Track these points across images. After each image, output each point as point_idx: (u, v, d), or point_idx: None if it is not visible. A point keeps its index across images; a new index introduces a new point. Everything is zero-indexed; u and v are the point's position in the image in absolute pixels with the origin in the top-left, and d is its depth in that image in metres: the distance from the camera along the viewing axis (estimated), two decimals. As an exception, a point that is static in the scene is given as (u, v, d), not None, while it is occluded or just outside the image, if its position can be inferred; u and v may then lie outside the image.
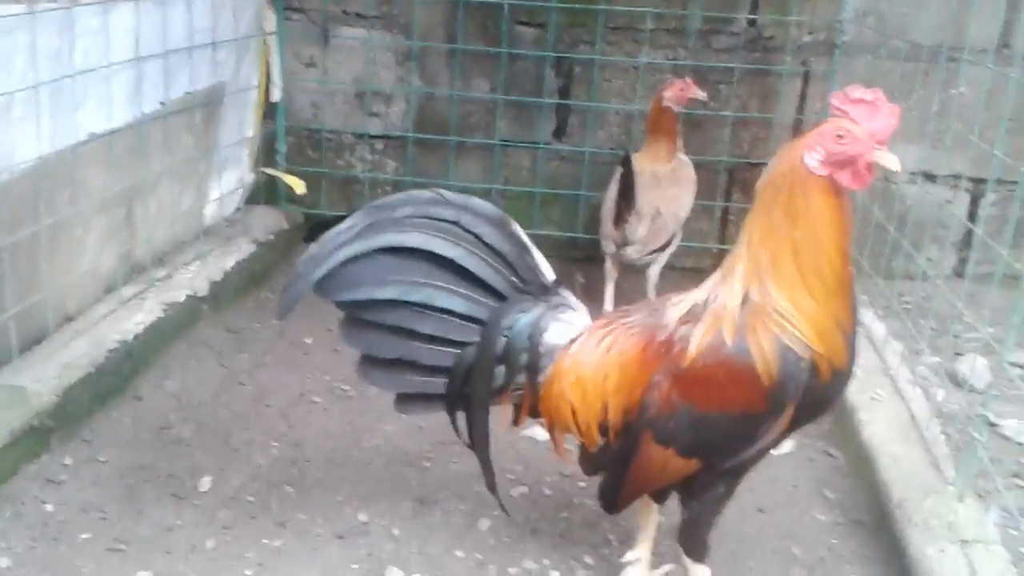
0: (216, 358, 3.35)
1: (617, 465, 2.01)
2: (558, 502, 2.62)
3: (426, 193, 2.07)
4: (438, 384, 2.11)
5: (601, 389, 1.99)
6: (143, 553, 2.34)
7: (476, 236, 2.04)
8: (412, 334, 2.07)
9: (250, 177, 4.28)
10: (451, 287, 2.05)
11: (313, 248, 2.03)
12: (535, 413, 2.12)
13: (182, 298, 3.41)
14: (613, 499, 2.07)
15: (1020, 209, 2.44)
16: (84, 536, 2.39)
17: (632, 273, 3.87)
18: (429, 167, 4.43)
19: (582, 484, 2.65)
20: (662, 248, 3.70)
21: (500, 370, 2.07)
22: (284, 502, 2.57)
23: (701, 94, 3.71)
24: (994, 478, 2.41)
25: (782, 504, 2.66)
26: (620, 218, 3.52)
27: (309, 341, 3.51)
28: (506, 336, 2.05)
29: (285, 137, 4.42)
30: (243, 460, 2.76)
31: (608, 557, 2.40)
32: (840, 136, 1.77)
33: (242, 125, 4.15)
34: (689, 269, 4.31)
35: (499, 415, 2.15)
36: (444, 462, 2.76)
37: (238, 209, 4.23)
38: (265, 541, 2.41)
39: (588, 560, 2.39)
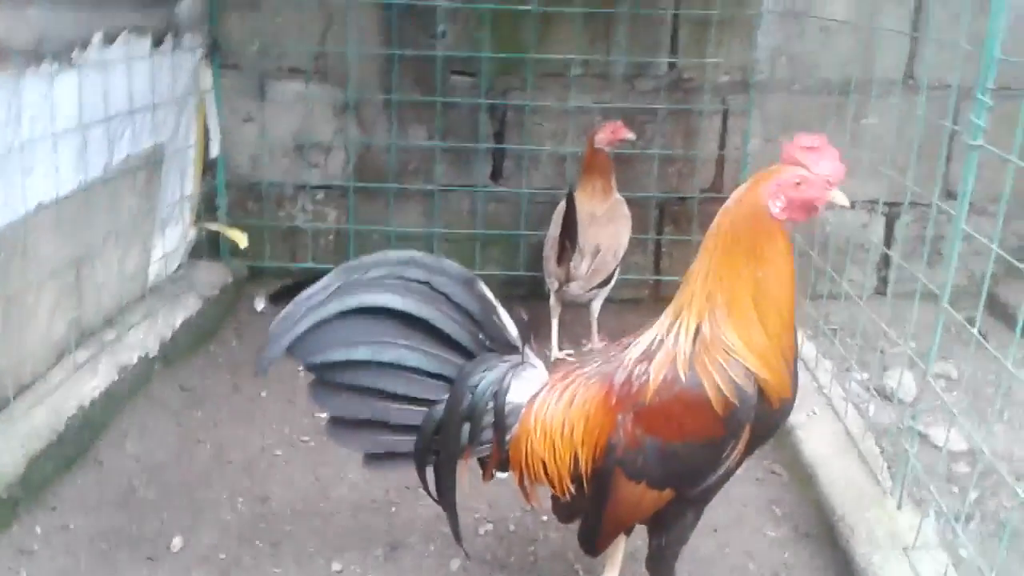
0: (172, 417, 3.38)
1: (593, 509, 2.11)
2: (524, 537, 2.72)
3: (398, 254, 2.14)
4: (407, 442, 2.16)
5: (569, 441, 2.09)
6: (121, 617, 2.38)
7: (446, 296, 2.11)
8: (382, 394, 2.12)
9: (192, 233, 4.32)
10: (421, 346, 2.11)
11: (286, 310, 2.06)
12: (503, 468, 2.21)
13: (134, 360, 3.43)
14: (593, 542, 2.18)
15: (932, 229, 2.62)
16: (61, 604, 2.41)
17: (575, 307, 4.02)
18: (370, 215, 4.53)
19: (545, 518, 2.76)
20: (603, 283, 3.85)
21: (467, 428, 2.14)
22: (257, 557, 2.62)
23: (630, 135, 3.89)
24: (927, 486, 2.58)
25: (735, 523, 2.80)
26: (563, 256, 3.67)
27: (264, 395, 3.56)
28: (471, 394, 2.12)
29: (225, 191, 4.47)
30: (211, 518, 2.80)
31: (577, 587, 2.51)
32: (798, 184, 1.93)
33: (183, 182, 4.19)
34: (628, 300, 4.49)
35: (464, 469, 2.21)
36: (411, 506, 2.84)
37: (181, 266, 4.26)
38: (242, 597, 2.46)
39: (558, 591, 2.50)
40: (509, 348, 2.18)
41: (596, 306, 3.99)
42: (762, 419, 1.97)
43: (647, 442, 2.00)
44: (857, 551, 2.46)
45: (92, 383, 3.19)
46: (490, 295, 2.18)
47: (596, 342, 4.06)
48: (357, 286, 2.08)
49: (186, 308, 3.92)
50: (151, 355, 3.53)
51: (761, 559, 2.67)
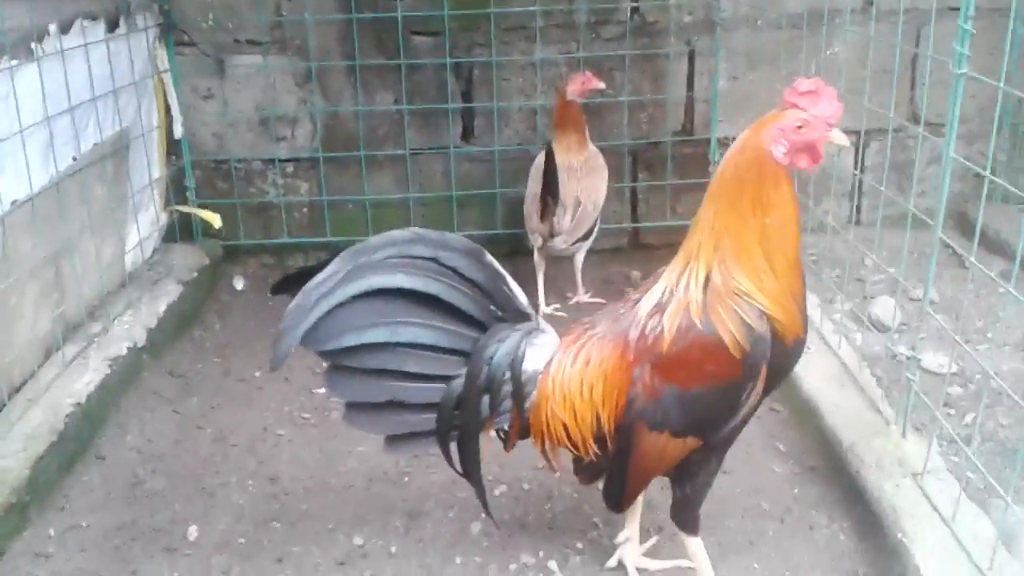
0: (168, 405, 3.34)
1: (618, 465, 2.13)
2: (539, 496, 2.75)
3: (403, 233, 2.10)
4: (427, 420, 2.16)
5: (589, 402, 2.10)
6: (148, 611, 2.38)
7: (454, 270, 2.09)
8: (400, 375, 2.11)
9: (164, 217, 4.25)
10: (435, 323, 2.10)
11: (296, 300, 2.02)
12: (524, 435, 2.22)
13: (124, 351, 3.38)
14: (619, 498, 2.20)
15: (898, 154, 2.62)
16: (85, 604, 2.40)
17: (558, 262, 4.03)
18: (343, 184, 4.48)
19: (558, 475, 2.78)
20: (586, 235, 3.86)
21: (486, 399, 2.15)
22: (275, 538, 2.62)
23: (600, 84, 3.87)
24: (931, 412, 2.64)
25: (741, 463, 2.85)
26: (546, 211, 3.67)
27: (257, 374, 3.54)
28: (488, 366, 2.12)
29: (193, 172, 4.38)
30: (223, 503, 2.79)
31: (598, 540, 2.55)
32: (799, 127, 1.94)
33: (150, 167, 4.11)
34: (608, 250, 4.51)
35: (487, 441, 2.22)
36: (423, 474, 2.85)
37: (156, 251, 4.20)
38: (267, 579, 2.47)
39: (579, 546, 2.53)
40: (520, 316, 2.18)
41: (579, 258, 4.00)
42: (778, 359, 2.00)
43: (666, 391, 2.01)
44: (868, 480, 2.51)
45: (85, 378, 3.14)
46: (497, 265, 2.17)
47: (582, 294, 4.08)
48: (365, 269, 2.05)
49: (167, 294, 3.87)
50: (139, 344, 3.48)
51: (771, 496, 2.72)
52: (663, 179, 4.50)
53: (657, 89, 4.46)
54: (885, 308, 3.62)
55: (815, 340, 3.29)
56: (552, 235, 3.75)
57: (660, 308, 2.05)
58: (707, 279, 2.00)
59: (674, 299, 2.04)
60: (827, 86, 1.97)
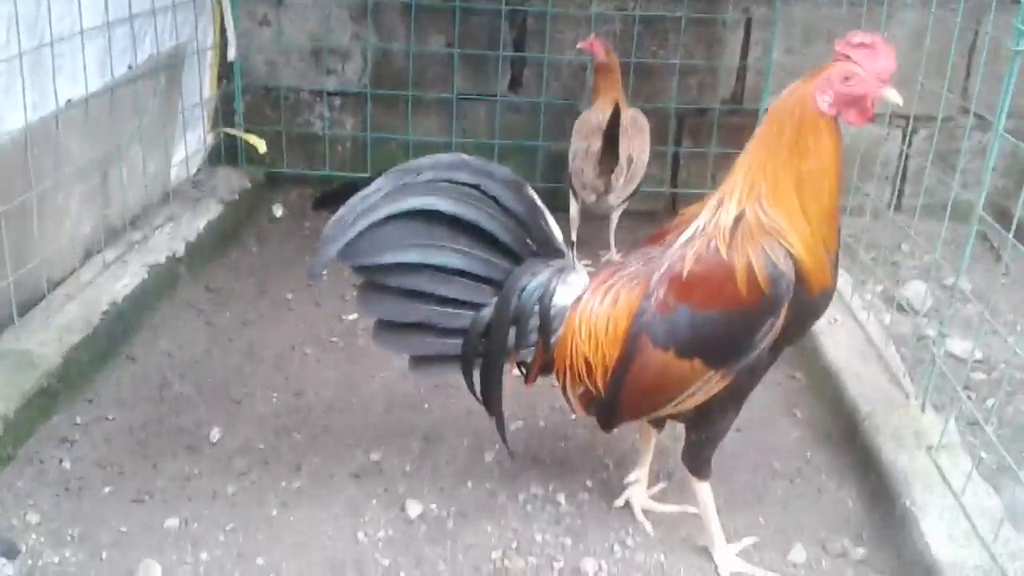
0: (201, 317, 3.42)
1: (616, 376, 2.11)
2: (554, 433, 2.79)
3: (448, 157, 2.12)
4: (454, 345, 2.19)
5: (614, 338, 2.10)
6: (166, 502, 2.45)
7: (495, 199, 2.11)
8: (431, 297, 2.14)
9: (211, 138, 4.31)
10: (471, 250, 2.12)
11: (339, 212, 2.05)
12: (547, 371, 2.24)
13: (162, 260, 3.46)
14: (610, 414, 2.18)
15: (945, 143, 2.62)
16: (106, 490, 2.48)
17: (592, 220, 4.05)
18: (388, 123, 4.51)
19: (574, 416, 2.82)
20: (633, 194, 3.88)
21: (513, 331, 2.17)
22: (295, 448, 2.69)
23: (595, 52, 3.88)
24: (951, 390, 2.65)
25: (757, 424, 2.87)
26: (604, 167, 3.68)
27: (290, 296, 3.60)
28: (518, 298, 2.14)
29: (243, 96, 4.44)
30: (247, 411, 2.86)
31: (607, 480, 2.59)
32: (847, 78, 1.94)
33: (201, 86, 4.16)
34: (644, 213, 4.50)
35: (509, 372, 2.25)
36: (442, 403, 2.90)
37: (200, 170, 4.26)
38: (283, 484, 2.53)
39: (588, 483, 2.58)
40: (555, 252, 2.20)
41: (615, 218, 4.02)
42: (801, 304, 2.00)
43: (678, 309, 2.01)
44: (882, 449, 2.53)
45: (123, 281, 3.22)
46: (537, 199, 2.18)
47: (614, 253, 4.10)
48: (408, 189, 2.07)
49: (208, 212, 3.93)
50: (177, 256, 3.55)
51: (783, 457, 2.74)
52: (707, 147, 4.49)
53: (710, 55, 4.44)
54: (916, 292, 3.61)
55: (843, 313, 3.30)
56: (607, 191, 3.77)
57: (689, 243, 2.07)
58: (739, 215, 2.01)
59: (703, 231, 2.06)
60: (883, 41, 1.96)
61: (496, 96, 4.47)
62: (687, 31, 4.37)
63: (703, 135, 4.53)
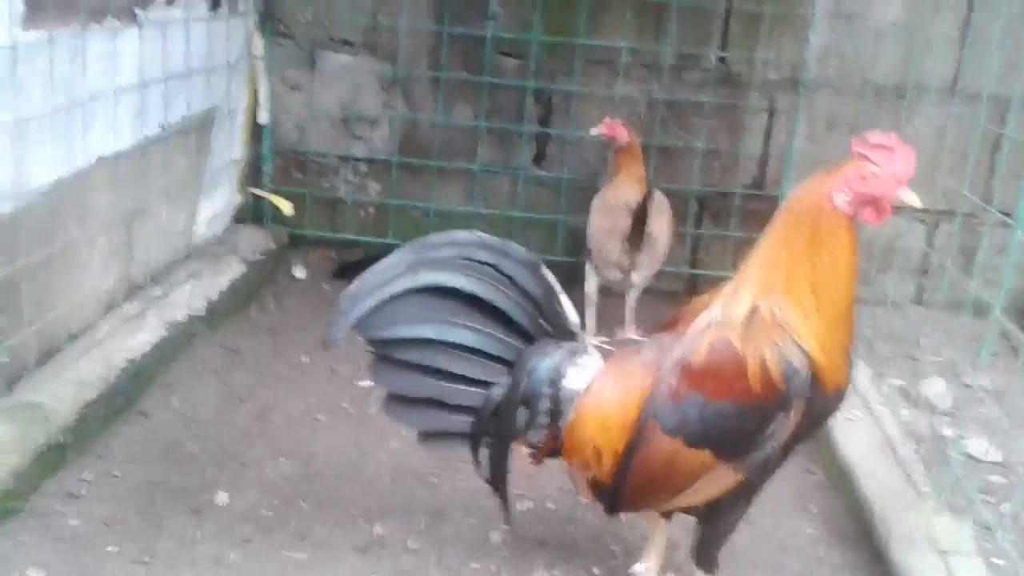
0: (216, 376, 3.42)
1: (623, 461, 2.08)
2: (562, 516, 2.76)
3: (466, 235, 2.16)
4: (463, 423, 2.19)
5: (622, 425, 2.08)
6: (169, 566, 2.42)
7: (511, 279, 2.12)
8: (442, 374, 2.14)
9: (238, 197, 4.37)
10: (485, 328, 2.13)
11: (355, 284, 2.07)
12: (555, 454, 2.22)
13: (182, 317, 3.48)
14: (615, 498, 2.14)
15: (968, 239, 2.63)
16: (110, 549, 2.45)
17: (606, 296, 4.05)
18: (412, 190, 4.56)
19: (584, 500, 2.79)
20: (654, 273, 3.91)
21: (523, 411, 2.17)
22: (301, 516, 2.67)
23: (618, 136, 3.94)
24: (967, 493, 2.61)
25: (770, 518, 2.83)
26: (633, 246, 3.71)
27: (305, 360, 3.61)
28: (530, 379, 2.14)
29: (272, 159, 4.51)
30: (255, 475, 2.84)
31: (615, 568, 2.55)
32: (865, 178, 1.95)
33: (231, 147, 4.24)
34: (663, 292, 4.51)
35: (518, 453, 2.24)
36: (450, 477, 2.88)
37: (226, 229, 4.31)
38: (287, 554, 2.50)
39: (596, 571, 2.53)
40: (568, 334, 2.20)
41: (634, 295, 4.03)
42: (816, 403, 1.99)
43: (689, 398, 2.00)
44: (894, 551, 2.49)
45: (141, 336, 3.24)
46: (553, 280, 2.20)
47: (632, 331, 4.09)
48: (424, 265, 2.09)
49: (230, 270, 3.97)
50: (197, 314, 3.57)
51: (795, 554, 2.70)
52: (728, 230, 4.51)
53: (733, 140, 4.49)
54: (936, 389, 3.58)
55: (860, 409, 3.27)
56: (632, 270, 3.79)
57: (703, 333, 2.06)
58: (753, 308, 2.01)
59: (715, 323, 2.05)
60: (902, 143, 1.98)
61: (519, 169, 4.52)
62: (711, 115, 4.43)
63: (724, 218, 4.55)
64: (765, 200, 4.50)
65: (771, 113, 4.48)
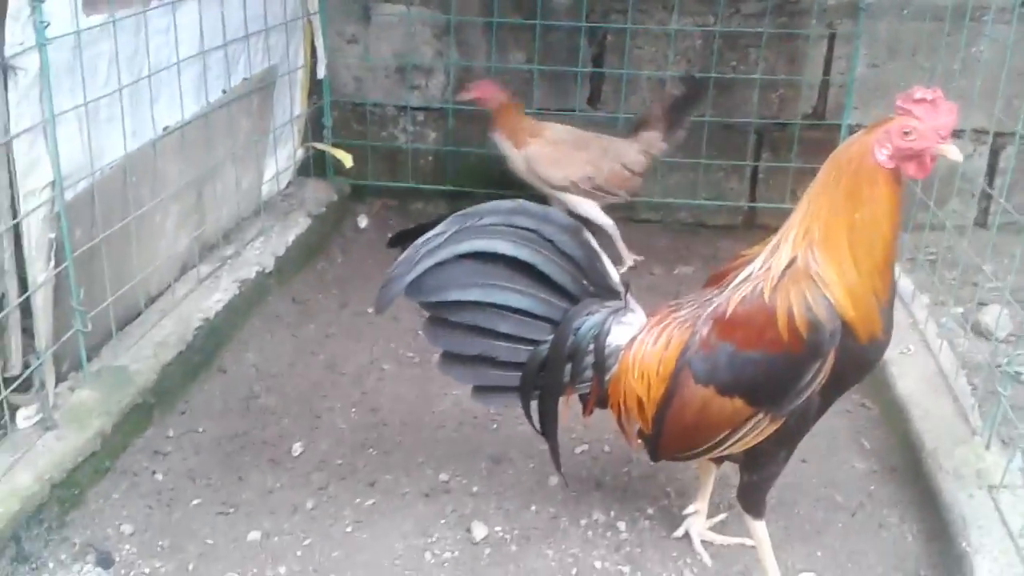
0: (287, 330, 3.60)
1: (659, 410, 2.20)
2: (618, 458, 2.87)
3: (510, 203, 2.24)
4: (513, 378, 2.31)
5: (662, 378, 2.19)
6: (250, 515, 2.62)
7: (553, 243, 2.22)
8: (491, 333, 2.26)
9: (300, 152, 4.49)
10: (529, 290, 2.24)
11: (405, 253, 2.18)
12: (603, 405, 2.34)
13: (252, 274, 3.65)
14: (655, 446, 2.27)
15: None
16: (195, 502, 2.66)
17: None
18: (469, 137, 4.62)
19: (632, 450, 2.89)
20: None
21: (569, 367, 2.29)
22: (370, 464, 2.84)
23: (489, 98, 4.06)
24: (1018, 427, 2.63)
25: (822, 454, 2.90)
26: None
27: (370, 310, 3.75)
28: (574, 336, 2.26)
29: (331, 112, 4.61)
30: (327, 425, 3.02)
31: (668, 508, 2.66)
32: (907, 133, 1.97)
33: (292, 103, 4.35)
34: (722, 227, 4.54)
35: (566, 405, 2.36)
36: (511, 424, 3.01)
37: (290, 183, 4.45)
38: (358, 500, 2.68)
39: (650, 511, 2.65)
40: (611, 294, 2.30)
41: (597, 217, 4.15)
42: (850, 354, 2.04)
43: (720, 347, 2.09)
44: (943, 487, 2.53)
45: (215, 296, 3.42)
46: (594, 243, 2.28)
47: (629, 260, 4.20)
48: (470, 232, 2.19)
49: (297, 225, 4.12)
50: (267, 270, 3.74)
51: (846, 490, 2.76)
52: (787, 161, 4.47)
53: (792, 70, 4.42)
54: (995, 316, 3.55)
55: (917, 341, 3.28)
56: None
57: (741, 285, 2.13)
58: (791, 261, 2.06)
59: (754, 276, 2.11)
60: (944, 97, 1.98)
61: (575, 111, 4.54)
62: (769, 46, 4.36)
63: (783, 149, 4.51)
64: (825, 129, 4.44)
65: (831, 40, 4.39)
